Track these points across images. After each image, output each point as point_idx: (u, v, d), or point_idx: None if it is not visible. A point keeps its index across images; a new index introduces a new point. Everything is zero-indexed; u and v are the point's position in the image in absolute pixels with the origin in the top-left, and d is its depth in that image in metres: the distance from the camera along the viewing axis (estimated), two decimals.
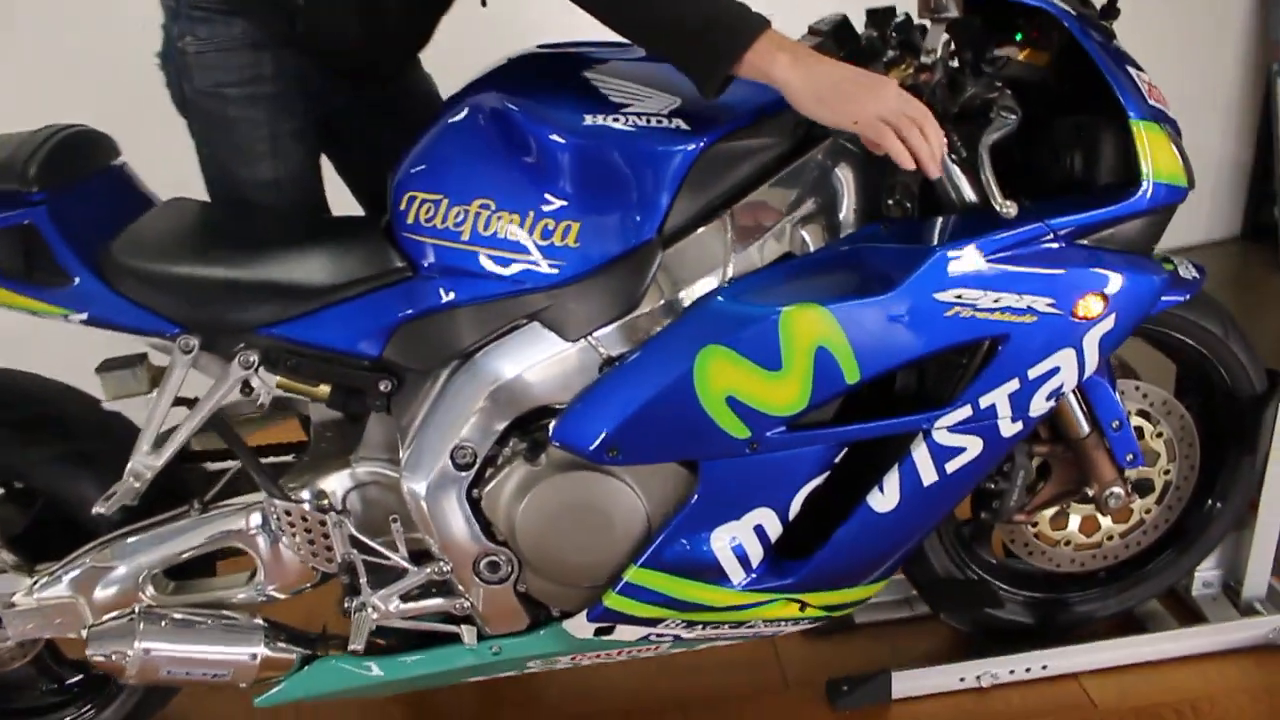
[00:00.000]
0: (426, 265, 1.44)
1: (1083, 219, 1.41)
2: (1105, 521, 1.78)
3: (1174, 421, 1.73)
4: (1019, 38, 1.48)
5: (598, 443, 1.42)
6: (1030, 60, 1.49)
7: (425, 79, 1.83)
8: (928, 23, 1.43)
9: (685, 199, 1.40)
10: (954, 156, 1.40)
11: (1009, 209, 1.35)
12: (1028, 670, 1.80)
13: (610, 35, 1.46)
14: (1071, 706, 1.76)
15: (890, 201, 1.33)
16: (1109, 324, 1.45)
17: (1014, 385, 1.46)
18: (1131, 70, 1.44)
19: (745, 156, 1.42)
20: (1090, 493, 1.68)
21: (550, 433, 1.45)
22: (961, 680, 1.79)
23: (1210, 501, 1.82)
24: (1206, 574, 1.92)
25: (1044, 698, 1.78)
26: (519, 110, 1.40)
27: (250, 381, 1.46)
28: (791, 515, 1.51)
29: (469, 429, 1.46)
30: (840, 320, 1.37)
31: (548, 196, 1.40)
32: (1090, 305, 1.43)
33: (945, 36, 1.41)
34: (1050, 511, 1.75)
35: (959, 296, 1.38)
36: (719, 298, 1.40)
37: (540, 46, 1.56)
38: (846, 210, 1.47)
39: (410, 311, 1.46)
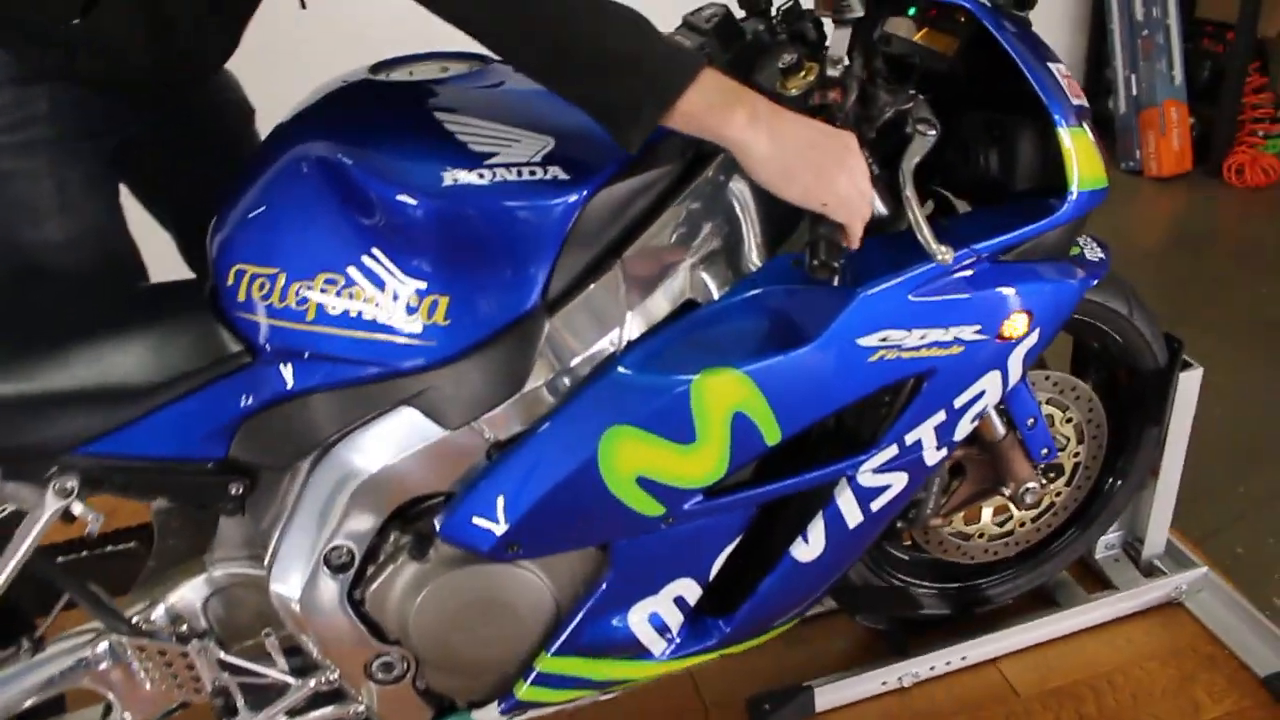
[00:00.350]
0: (267, 349, 1.21)
1: (1009, 239, 1.29)
2: (1017, 510, 1.73)
3: (1082, 405, 1.66)
4: (913, 13, 1.33)
5: (496, 541, 1.24)
6: (933, 45, 1.33)
7: (229, 85, 1.55)
8: (827, 21, 1.25)
9: (570, 257, 1.20)
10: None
11: (945, 254, 1.19)
12: (947, 664, 1.76)
13: (448, 45, 1.24)
14: (994, 698, 1.73)
15: (815, 262, 1.14)
16: (1033, 339, 1.36)
17: (940, 418, 1.35)
18: (1052, 66, 1.30)
19: (634, 197, 1.22)
20: (1006, 492, 1.62)
21: (438, 529, 1.27)
22: (884, 684, 1.73)
23: (1114, 478, 1.78)
24: (1108, 536, 1.91)
25: (967, 689, 1.74)
26: (358, 166, 1.15)
27: (72, 509, 1.22)
28: (711, 578, 1.38)
29: (340, 528, 1.26)
30: (757, 382, 1.22)
31: (406, 268, 1.17)
32: (1016, 324, 1.33)
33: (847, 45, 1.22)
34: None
35: (884, 339, 1.25)
36: (620, 369, 1.22)
37: (373, 69, 1.31)
38: (750, 240, 1.31)
39: (253, 403, 1.22)
